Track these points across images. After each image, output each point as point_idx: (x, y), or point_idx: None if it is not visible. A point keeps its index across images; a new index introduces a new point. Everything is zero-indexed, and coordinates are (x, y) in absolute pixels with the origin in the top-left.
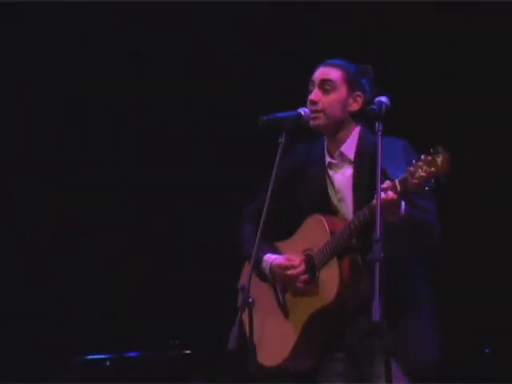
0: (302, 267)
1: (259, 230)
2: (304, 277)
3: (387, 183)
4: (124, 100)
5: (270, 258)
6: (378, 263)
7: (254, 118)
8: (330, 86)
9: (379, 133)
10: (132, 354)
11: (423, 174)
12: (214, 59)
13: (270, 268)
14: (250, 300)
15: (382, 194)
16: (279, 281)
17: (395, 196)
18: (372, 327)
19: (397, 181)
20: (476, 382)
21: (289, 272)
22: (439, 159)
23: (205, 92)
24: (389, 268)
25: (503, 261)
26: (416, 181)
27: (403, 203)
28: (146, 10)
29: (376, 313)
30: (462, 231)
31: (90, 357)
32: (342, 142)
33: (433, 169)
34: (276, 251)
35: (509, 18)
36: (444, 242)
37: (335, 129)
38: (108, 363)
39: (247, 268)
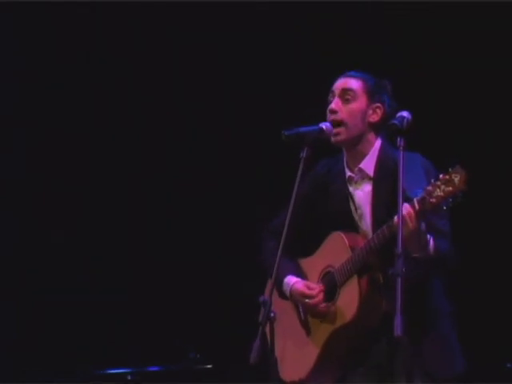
0: (320, 297)
1: (280, 246)
2: (322, 305)
3: (405, 205)
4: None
5: (290, 281)
6: (399, 278)
7: (277, 132)
8: (350, 96)
9: (401, 148)
10: (153, 369)
11: (441, 193)
12: (235, 74)
13: (290, 292)
14: (272, 315)
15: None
16: (299, 304)
17: (413, 214)
18: (394, 342)
19: (415, 200)
20: None
21: (307, 301)
22: (456, 178)
23: (228, 105)
24: (411, 282)
25: None
26: (434, 200)
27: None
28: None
29: (398, 327)
30: (484, 245)
31: (111, 371)
32: (362, 156)
33: (450, 188)
34: (298, 268)
35: None
36: (468, 256)
37: (356, 142)
38: (129, 377)
39: (270, 283)
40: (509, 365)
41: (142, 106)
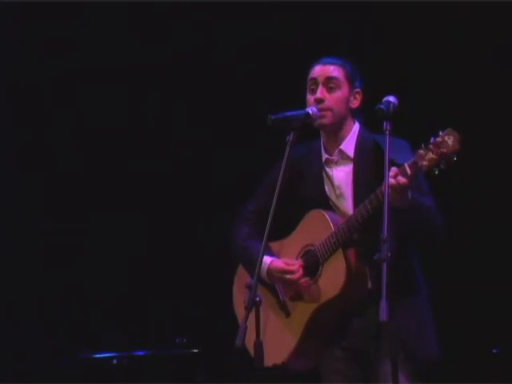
0: (301, 272)
1: (266, 229)
2: (304, 280)
3: (394, 170)
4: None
5: (266, 260)
6: (385, 263)
7: (257, 118)
8: (334, 84)
9: (387, 132)
10: (139, 353)
11: (433, 156)
12: (235, 74)
13: (268, 271)
14: (258, 299)
15: (392, 180)
16: (278, 283)
17: (406, 180)
18: (379, 327)
19: (406, 165)
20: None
21: (288, 277)
22: (450, 140)
23: (228, 105)
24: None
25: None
26: (426, 163)
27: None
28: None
29: (383, 312)
30: (468, 228)
31: (97, 355)
32: (342, 139)
33: (444, 150)
34: (271, 251)
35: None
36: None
37: (337, 126)
38: (115, 362)
39: (241, 270)
40: (494, 350)
41: (141, 106)
